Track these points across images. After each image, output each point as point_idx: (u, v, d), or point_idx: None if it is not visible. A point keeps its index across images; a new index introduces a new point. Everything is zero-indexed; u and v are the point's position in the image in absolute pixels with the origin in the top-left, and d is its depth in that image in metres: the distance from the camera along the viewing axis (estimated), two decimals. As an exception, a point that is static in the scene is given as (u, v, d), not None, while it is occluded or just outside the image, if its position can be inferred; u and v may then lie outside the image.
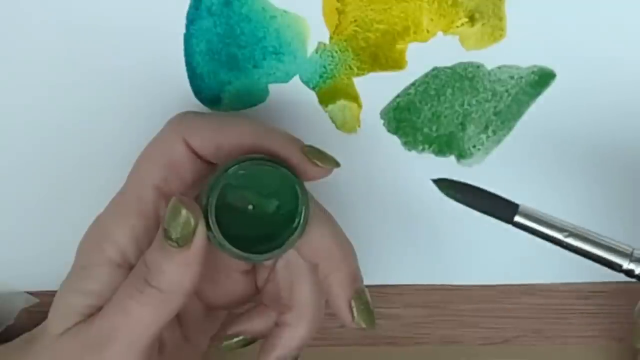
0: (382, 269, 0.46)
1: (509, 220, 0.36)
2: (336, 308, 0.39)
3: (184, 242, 0.36)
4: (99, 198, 0.39)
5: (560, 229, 0.36)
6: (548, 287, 0.47)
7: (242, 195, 0.37)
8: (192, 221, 0.36)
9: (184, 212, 0.36)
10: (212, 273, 0.40)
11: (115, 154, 0.44)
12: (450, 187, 0.37)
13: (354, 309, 0.38)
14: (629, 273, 0.36)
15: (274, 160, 0.37)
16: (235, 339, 0.41)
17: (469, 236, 0.46)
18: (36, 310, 0.46)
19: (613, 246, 0.36)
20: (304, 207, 0.37)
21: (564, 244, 0.36)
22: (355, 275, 0.39)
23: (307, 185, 0.38)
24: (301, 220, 0.37)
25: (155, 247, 0.36)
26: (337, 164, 0.38)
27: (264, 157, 0.37)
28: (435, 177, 0.44)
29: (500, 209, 0.37)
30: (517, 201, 0.45)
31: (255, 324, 0.40)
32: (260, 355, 0.40)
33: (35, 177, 0.45)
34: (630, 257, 0.36)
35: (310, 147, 0.38)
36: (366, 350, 0.48)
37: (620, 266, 0.36)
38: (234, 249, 0.36)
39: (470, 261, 0.46)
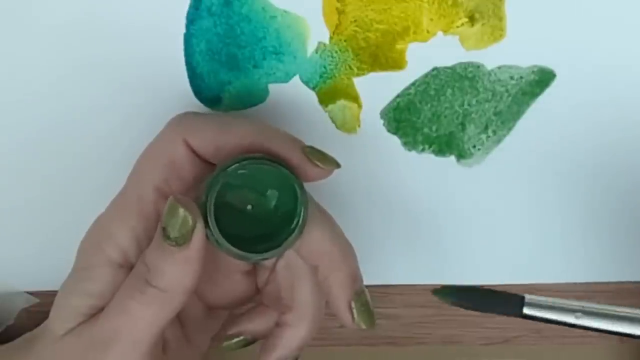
0: (382, 269, 0.46)
1: (519, 314, 0.36)
2: (336, 309, 0.39)
3: (182, 241, 0.36)
4: (99, 198, 0.39)
5: (570, 311, 0.36)
6: (548, 287, 0.47)
7: (242, 194, 0.37)
8: (190, 220, 0.36)
9: (181, 211, 0.36)
10: (213, 273, 0.40)
11: (115, 153, 0.44)
12: (452, 295, 0.37)
13: (354, 310, 0.38)
14: None
15: (274, 160, 0.37)
16: (236, 339, 0.41)
17: (470, 236, 0.46)
18: (36, 310, 0.46)
19: (627, 315, 0.36)
20: (302, 208, 0.37)
21: (578, 326, 0.36)
22: (355, 276, 0.39)
23: (307, 185, 0.37)
24: (300, 221, 0.37)
25: (155, 247, 0.36)
26: (338, 165, 0.38)
27: (263, 157, 0.37)
28: (435, 178, 0.44)
29: (507, 304, 0.36)
30: (517, 201, 0.45)
31: (256, 324, 0.40)
32: (260, 356, 0.40)
33: (35, 177, 0.45)
34: None
35: (311, 147, 0.38)
36: (366, 350, 0.48)
37: (637, 335, 0.36)
38: (232, 248, 0.36)
39: (471, 261, 0.46)
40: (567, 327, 0.47)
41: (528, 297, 0.36)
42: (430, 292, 0.37)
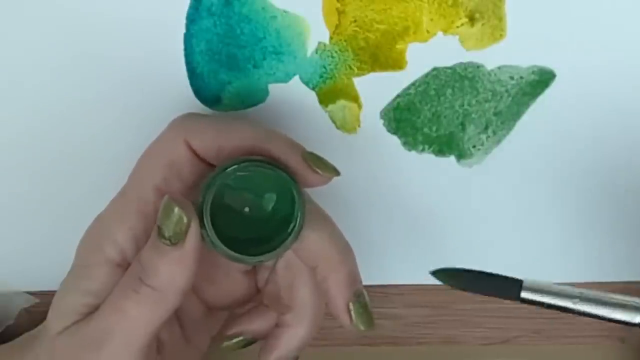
0: (382, 269, 0.46)
1: (516, 298, 0.36)
2: (334, 310, 0.39)
3: (176, 240, 0.36)
4: (99, 198, 0.39)
5: (569, 296, 0.36)
6: (548, 287, 0.47)
7: (240, 196, 0.38)
8: (185, 219, 0.36)
9: (176, 210, 0.36)
10: (212, 273, 0.40)
11: (115, 153, 0.44)
12: (451, 277, 0.37)
13: (352, 312, 0.38)
14: None
15: (273, 163, 0.37)
16: (235, 339, 0.41)
17: (470, 236, 0.46)
18: (36, 310, 0.46)
19: (623, 302, 0.36)
20: (299, 212, 0.37)
21: (575, 311, 0.36)
22: (353, 277, 0.39)
23: (307, 186, 0.38)
24: (296, 225, 0.37)
25: (150, 246, 0.36)
26: (337, 173, 0.38)
27: (263, 160, 0.37)
28: (435, 178, 0.44)
29: (505, 288, 0.37)
30: (517, 201, 0.45)
31: (256, 324, 0.41)
32: (260, 355, 0.40)
33: (35, 177, 0.45)
34: None
35: (311, 153, 0.37)
36: (366, 350, 0.48)
37: (633, 323, 0.36)
38: (227, 250, 0.36)
39: (471, 261, 0.46)
40: (566, 325, 0.48)
41: (527, 281, 0.36)
42: (429, 272, 0.37)
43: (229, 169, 0.36)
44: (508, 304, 0.47)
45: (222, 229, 0.36)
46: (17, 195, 0.45)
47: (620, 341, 0.47)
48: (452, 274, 0.37)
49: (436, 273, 0.37)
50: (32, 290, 0.47)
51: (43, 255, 0.46)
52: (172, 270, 0.36)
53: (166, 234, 0.36)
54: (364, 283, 0.39)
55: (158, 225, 0.36)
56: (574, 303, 0.36)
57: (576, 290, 0.36)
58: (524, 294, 0.36)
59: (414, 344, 0.48)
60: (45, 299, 0.46)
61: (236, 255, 0.36)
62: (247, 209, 0.38)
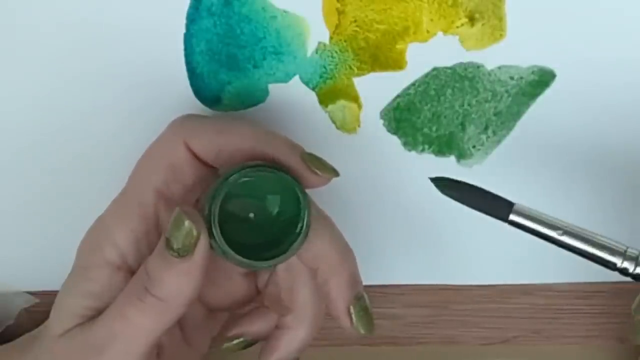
0: (382, 269, 0.46)
1: (504, 219, 0.37)
2: (335, 312, 0.39)
3: (185, 252, 0.36)
4: (99, 198, 0.39)
5: (555, 227, 0.37)
6: (548, 287, 0.47)
7: (244, 202, 0.37)
8: (195, 232, 0.35)
9: (187, 223, 0.35)
10: (213, 275, 0.40)
11: (115, 154, 0.44)
12: (448, 186, 0.38)
13: (353, 314, 0.38)
14: (623, 271, 0.37)
15: (274, 166, 0.37)
16: (236, 341, 0.41)
17: (469, 236, 0.46)
18: (36, 310, 0.46)
19: (607, 244, 0.37)
20: (305, 212, 0.37)
21: (559, 242, 0.37)
22: (354, 280, 0.39)
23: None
24: (304, 226, 0.37)
25: (157, 256, 0.36)
26: (336, 174, 0.38)
27: (264, 164, 0.37)
28: (435, 177, 0.44)
29: (496, 207, 0.37)
30: (516, 201, 0.45)
31: (256, 325, 0.40)
32: (260, 357, 0.40)
33: (36, 177, 0.45)
34: (624, 255, 0.36)
35: (310, 154, 0.37)
36: (366, 350, 0.48)
37: (615, 264, 0.37)
38: (239, 257, 0.36)
39: (470, 261, 0.46)
40: (566, 325, 0.48)
41: (518, 205, 0.37)
42: (429, 178, 0.38)
43: (231, 178, 0.36)
44: (508, 304, 0.47)
45: (228, 236, 0.36)
46: (18, 195, 0.45)
47: (620, 341, 0.47)
48: (450, 183, 0.38)
49: (435, 180, 0.38)
50: (32, 290, 0.47)
51: (43, 255, 0.46)
52: (180, 282, 0.36)
53: (175, 246, 0.36)
54: (364, 283, 0.39)
55: (167, 237, 0.36)
56: (558, 235, 0.37)
57: (563, 223, 0.37)
58: (513, 217, 0.37)
59: (413, 344, 0.48)
60: (45, 299, 0.46)
61: (248, 262, 0.36)
62: (251, 215, 0.38)
